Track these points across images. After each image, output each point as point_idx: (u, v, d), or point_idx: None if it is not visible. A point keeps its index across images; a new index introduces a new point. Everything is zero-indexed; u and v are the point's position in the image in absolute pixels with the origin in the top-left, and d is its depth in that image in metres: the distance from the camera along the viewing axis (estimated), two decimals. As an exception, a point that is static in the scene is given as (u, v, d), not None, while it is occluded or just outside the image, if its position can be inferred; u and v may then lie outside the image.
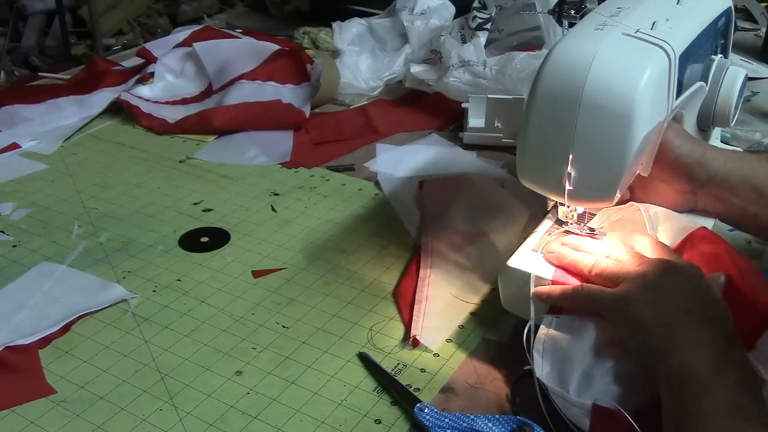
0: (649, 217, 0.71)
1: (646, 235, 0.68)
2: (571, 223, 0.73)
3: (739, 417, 0.52)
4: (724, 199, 0.73)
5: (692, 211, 0.76)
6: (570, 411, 0.59)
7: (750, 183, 0.71)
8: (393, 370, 0.70)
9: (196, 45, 1.37)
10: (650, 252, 0.66)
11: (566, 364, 0.62)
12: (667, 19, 0.67)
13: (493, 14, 1.32)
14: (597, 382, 0.61)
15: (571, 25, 1.30)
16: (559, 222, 0.74)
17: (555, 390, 0.61)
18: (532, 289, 0.68)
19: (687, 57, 0.69)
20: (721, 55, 0.82)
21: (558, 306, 0.66)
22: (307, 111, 1.22)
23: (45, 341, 0.74)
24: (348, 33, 1.41)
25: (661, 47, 0.64)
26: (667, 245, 0.67)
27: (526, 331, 0.65)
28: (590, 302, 0.63)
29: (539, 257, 0.70)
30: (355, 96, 1.31)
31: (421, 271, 0.82)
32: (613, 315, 0.62)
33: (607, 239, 0.70)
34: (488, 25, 1.30)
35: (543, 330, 0.65)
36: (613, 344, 0.63)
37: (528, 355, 0.64)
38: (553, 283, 0.67)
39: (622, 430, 0.57)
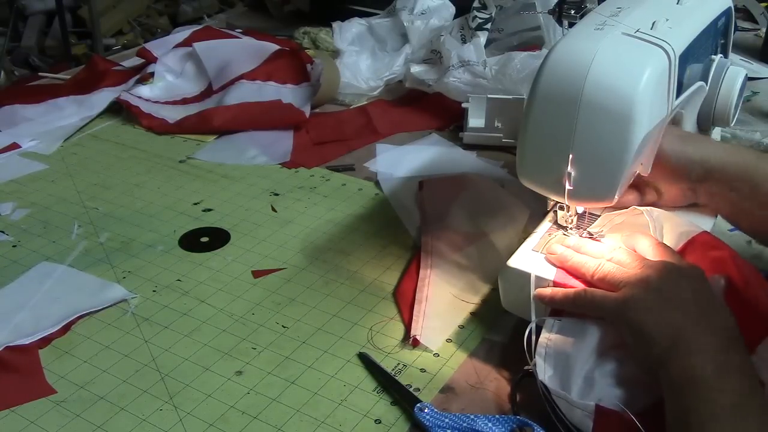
0: (652, 220, 0.71)
1: (648, 237, 0.68)
2: (571, 228, 0.72)
3: (744, 421, 0.52)
4: (722, 194, 0.73)
5: (693, 210, 0.76)
6: (573, 413, 0.59)
7: (746, 177, 0.71)
8: (393, 370, 0.70)
9: (196, 45, 1.37)
10: (652, 254, 0.65)
11: (569, 366, 0.62)
12: (667, 19, 0.67)
13: (493, 14, 1.32)
14: (599, 385, 0.61)
15: (571, 25, 1.30)
16: (559, 226, 0.74)
17: (558, 392, 0.61)
18: (534, 291, 0.67)
19: (687, 57, 0.69)
20: (721, 55, 0.82)
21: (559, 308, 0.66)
22: (307, 111, 1.22)
23: (45, 341, 0.74)
24: (348, 33, 1.41)
25: (661, 47, 0.64)
26: (669, 247, 0.67)
27: (527, 331, 0.65)
28: (593, 307, 0.63)
29: (540, 258, 0.70)
30: (355, 96, 1.31)
31: (421, 271, 0.82)
32: (616, 320, 0.61)
33: (608, 241, 0.70)
34: (488, 25, 1.30)
35: (545, 333, 0.65)
36: (615, 347, 0.63)
37: (528, 356, 0.64)
38: (555, 284, 0.67)
39: (624, 431, 0.57)
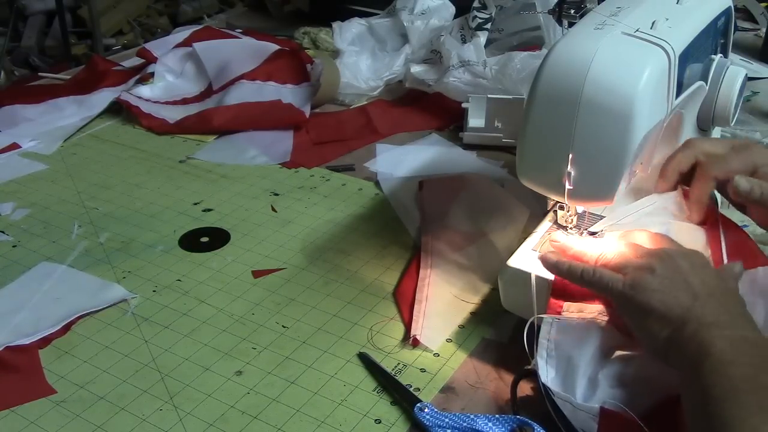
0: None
1: (645, 231, 0.68)
2: (571, 227, 0.72)
3: (762, 395, 0.51)
4: None
5: None
6: (577, 416, 0.59)
7: None
8: (393, 370, 0.70)
9: (196, 45, 1.37)
10: (651, 244, 0.65)
11: (571, 369, 0.62)
12: (667, 19, 0.67)
13: (493, 14, 1.32)
14: (603, 386, 0.60)
15: (571, 24, 1.30)
16: (559, 225, 0.74)
17: (561, 395, 0.60)
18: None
19: (687, 56, 0.69)
20: (720, 55, 0.82)
21: (557, 305, 0.66)
22: (307, 111, 1.22)
23: (45, 341, 0.74)
24: (348, 33, 1.41)
25: (661, 47, 0.64)
26: (667, 236, 0.67)
27: (526, 329, 0.65)
28: (600, 286, 0.62)
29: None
30: (355, 96, 1.31)
31: (421, 271, 0.82)
32: (622, 303, 0.61)
33: (607, 237, 0.70)
34: (488, 25, 1.30)
35: (545, 334, 0.64)
36: (617, 348, 0.63)
37: (529, 353, 0.64)
38: (556, 280, 0.67)
39: (629, 431, 0.57)
